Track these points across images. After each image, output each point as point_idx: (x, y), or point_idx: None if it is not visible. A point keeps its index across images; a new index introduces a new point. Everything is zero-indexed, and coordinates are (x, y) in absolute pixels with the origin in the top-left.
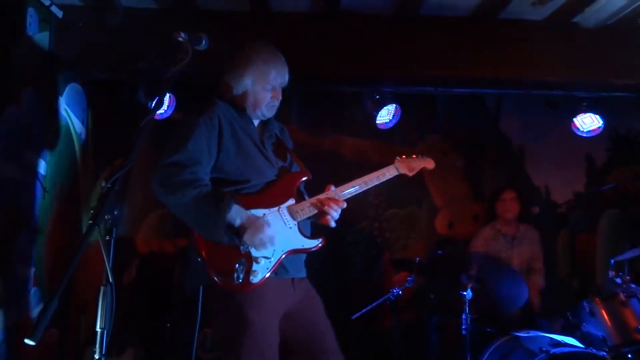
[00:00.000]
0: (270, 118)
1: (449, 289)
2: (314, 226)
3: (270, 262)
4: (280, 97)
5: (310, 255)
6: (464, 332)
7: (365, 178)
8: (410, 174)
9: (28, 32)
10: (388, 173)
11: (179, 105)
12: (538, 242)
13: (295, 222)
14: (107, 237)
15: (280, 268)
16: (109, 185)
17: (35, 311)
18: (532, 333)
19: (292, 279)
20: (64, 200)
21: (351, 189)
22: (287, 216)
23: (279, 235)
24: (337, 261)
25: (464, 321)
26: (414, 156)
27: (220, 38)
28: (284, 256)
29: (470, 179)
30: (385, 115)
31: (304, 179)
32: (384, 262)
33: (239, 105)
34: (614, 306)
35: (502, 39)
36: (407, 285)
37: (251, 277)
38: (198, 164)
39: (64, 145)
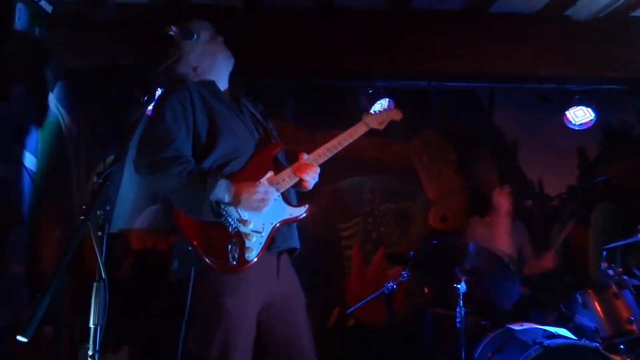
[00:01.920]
0: (240, 95)
1: (443, 283)
2: (300, 194)
3: (262, 236)
4: (221, 39)
5: (305, 250)
6: (458, 325)
7: (338, 139)
8: (381, 127)
9: (17, 28)
10: (359, 130)
11: None
12: (524, 231)
13: (279, 193)
14: (100, 233)
15: (270, 242)
16: (101, 181)
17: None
18: (526, 325)
19: (279, 254)
20: (55, 196)
21: (324, 152)
22: (270, 188)
23: (267, 208)
24: (332, 256)
25: (458, 314)
26: (381, 110)
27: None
28: (274, 229)
29: (464, 173)
30: (379, 109)
31: (278, 150)
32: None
33: (204, 77)
34: (607, 298)
35: (494, 33)
36: (401, 279)
37: (246, 255)
38: (178, 139)
39: (54, 141)
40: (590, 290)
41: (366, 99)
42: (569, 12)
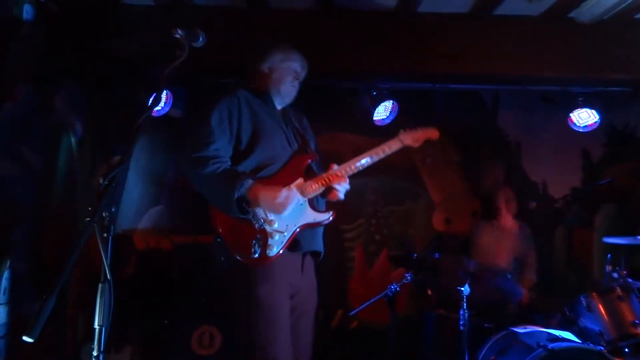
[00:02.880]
0: (289, 109)
1: (446, 285)
2: (328, 202)
3: (284, 236)
4: (300, 79)
5: None
6: (461, 327)
7: (370, 153)
8: (416, 145)
9: (24, 28)
10: (393, 146)
11: (176, 101)
12: (531, 237)
13: (305, 199)
14: (105, 235)
15: (293, 243)
16: (106, 182)
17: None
18: (530, 328)
19: (304, 254)
20: (61, 196)
21: (356, 165)
22: (297, 193)
23: (291, 211)
24: (335, 258)
25: (461, 317)
26: (418, 127)
27: (218, 35)
28: (297, 230)
29: (468, 175)
30: (383, 111)
31: (310, 160)
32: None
33: (262, 89)
34: (611, 301)
35: (498, 35)
36: (405, 281)
37: (267, 251)
38: (218, 142)
39: (60, 141)
40: (594, 293)
41: (370, 101)
42: (572, 14)
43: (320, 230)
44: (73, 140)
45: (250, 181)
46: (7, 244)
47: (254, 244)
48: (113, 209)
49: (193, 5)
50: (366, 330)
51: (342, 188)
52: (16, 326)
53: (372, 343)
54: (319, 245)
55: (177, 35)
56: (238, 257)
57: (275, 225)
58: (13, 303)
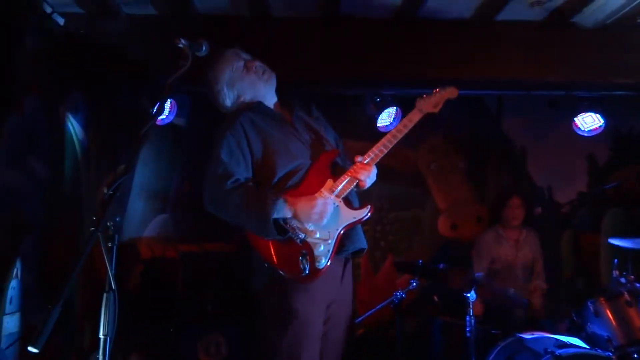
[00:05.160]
0: (292, 103)
1: (452, 291)
2: (360, 195)
3: (329, 243)
4: (257, 62)
5: None
6: (468, 334)
7: (392, 132)
8: (437, 110)
9: (30, 40)
10: (414, 118)
11: (181, 110)
12: (538, 245)
13: (340, 199)
14: (109, 244)
15: (339, 247)
16: (111, 192)
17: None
18: (537, 334)
19: (347, 259)
20: (67, 207)
21: (380, 149)
22: (330, 196)
23: (329, 215)
24: None
25: (468, 323)
26: (436, 90)
27: (221, 44)
28: (340, 235)
29: (473, 180)
30: (386, 118)
31: (333, 157)
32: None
33: (250, 105)
34: (619, 306)
35: (501, 41)
36: (410, 287)
37: (317, 264)
38: (236, 173)
39: (66, 152)
40: (602, 299)
41: (373, 107)
42: (575, 19)
43: (359, 226)
44: (78, 150)
45: (281, 200)
46: (14, 253)
47: (302, 261)
48: (118, 218)
49: (197, 14)
50: (372, 337)
51: (367, 177)
52: (23, 336)
53: (378, 350)
54: (362, 242)
55: (181, 45)
56: (290, 278)
57: (318, 235)
58: (22, 312)
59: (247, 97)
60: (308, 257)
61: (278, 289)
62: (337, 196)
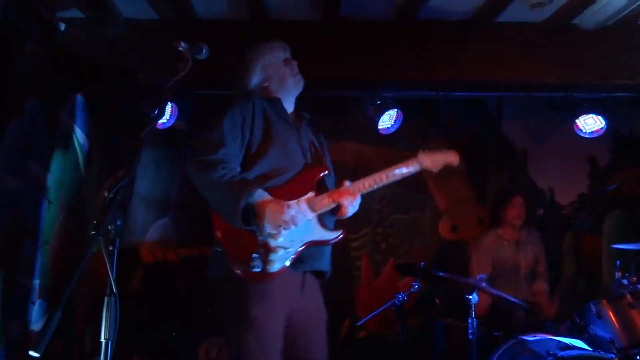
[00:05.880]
0: (305, 118)
1: (454, 294)
2: (337, 220)
3: (288, 252)
4: (295, 63)
5: None
6: (470, 336)
7: (386, 172)
8: (434, 170)
9: (30, 45)
10: (411, 167)
11: (181, 114)
12: (541, 245)
13: (315, 214)
14: (110, 248)
15: (296, 260)
16: (112, 196)
17: (39, 323)
18: (539, 336)
19: (305, 272)
20: (68, 211)
21: (368, 183)
22: (306, 208)
23: (299, 226)
24: (341, 267)
25: (470, 325)
26: (438, 150)
27: (221, 47)
28: (303, 247)
29: (474, 182)
30: (387, 120)
31: (324, 173)
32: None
33: (270, 95)
34: (621, 308)
35: (501, 42)
36: (412, 290)
37: (268, 267)
38: (228, 147)
39: (67, 156)
40: (604, 300)
41: (374, 110)
42: (576, 20)
43: (328, 248)
44: (79, 154)
45: (259, 191)
46: (14, 258)
47: (255, 258)
48: (119, 222)
49: (197, 19)
50: (374, 340)
51: (351, 206)
52: (21, 343)
53: (380, 353)
54: (324, 264)
55: (181, 48)
56: (236, 270)
57: (280, 240)
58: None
59: (271, 87)
60: (263, 257)
61: (235, 297)
62: (313, 211)
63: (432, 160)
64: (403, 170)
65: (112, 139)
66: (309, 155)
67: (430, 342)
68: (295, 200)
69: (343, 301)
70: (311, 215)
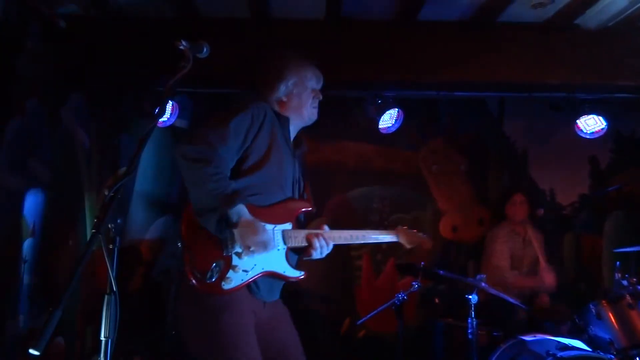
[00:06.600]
0: (300, 145)
1: (454, 294)
2: (300, 260)
3: (246, 274)
4: (320, 97)
5: (314, 261)
6: (470, 336)
7: (363, 233)
8: (407, 247)
9: (31, 43)
10: (388, 236)
11: (182, 112)
12: (542, 242)
13: (285, 247)
14: (111, 246)
15: (253, 285)
16: (112, 194)
17: (39, 321)
18: (539, 337)
19: (264, 302)
20: (68, 209)
21: (344, 236)
22: (280, 238)
23: (266, 253)
24: (341, 267)
25: (470, 325)
26: (415, 231)
27: (222, 45)
28: (260, 275)
29: (474, 182)
30: (388, 119)
31: (307, 209)
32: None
33: (283, 112)
34: (621, 308)
35: (503, 42)
36: (412, 289)
37: (223, 283)
38: (230, 146)
39: (68, 155)
40: (604, 301)
41: (375, 109)
42: (578, 21)
43: (281, 283)
44: (80, 153)
45: (242, 206)
46: (15, 256)
47: (213, 268)
48: (119, 220)
49: (198, 17)
50: (374, 339)
51: (319, 249)
52: (24, 339)
53: (379, 352)
54: (275, 295)
55: (182, 47)
56: (191, 279)
57: (243, 260)
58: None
59: (289, 104)
60: (220, 271)
61: (200, 310)
62: (285, 243)
63: (408, 238)
64: (379, 237)
65: (113, 137)
66: (296, 187)
67: (430, 342)
68: (273, 226)
69: (344, 300)
70: (283, 247)
